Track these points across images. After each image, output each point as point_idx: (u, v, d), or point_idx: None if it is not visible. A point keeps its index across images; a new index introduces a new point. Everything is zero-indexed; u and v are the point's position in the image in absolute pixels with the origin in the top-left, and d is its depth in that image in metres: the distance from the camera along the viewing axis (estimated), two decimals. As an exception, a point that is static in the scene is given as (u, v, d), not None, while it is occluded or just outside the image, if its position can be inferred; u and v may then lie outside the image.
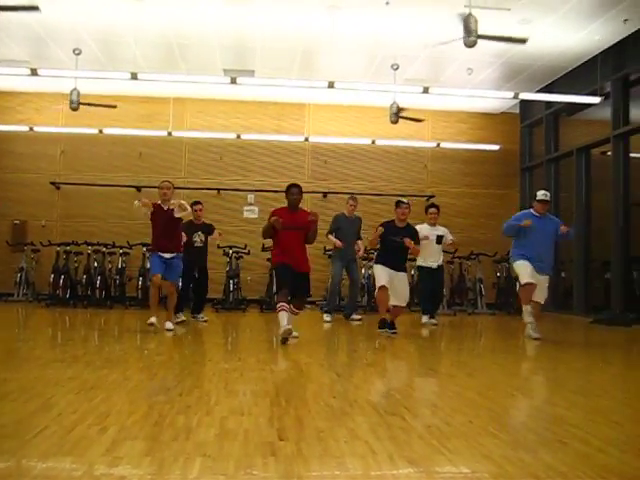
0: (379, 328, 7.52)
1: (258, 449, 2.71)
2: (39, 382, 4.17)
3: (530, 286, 7.23)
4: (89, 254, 11.67)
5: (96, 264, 11.59)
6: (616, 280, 10.28)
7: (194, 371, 4.99)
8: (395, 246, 7.43)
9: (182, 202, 7.58)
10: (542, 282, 7.32)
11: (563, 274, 12.48)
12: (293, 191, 6.84)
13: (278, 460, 2.57)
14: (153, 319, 7.36)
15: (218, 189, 12.84)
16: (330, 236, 9.52)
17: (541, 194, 7.49)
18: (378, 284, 7.50)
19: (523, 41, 8.27)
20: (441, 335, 8.44)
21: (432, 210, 9.27)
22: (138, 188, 12.61)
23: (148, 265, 11.66)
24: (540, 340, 7.07)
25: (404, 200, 7.74)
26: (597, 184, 11.41)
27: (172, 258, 7.56)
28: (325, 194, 13.28)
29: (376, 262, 7.75)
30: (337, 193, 13.19)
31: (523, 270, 7.31)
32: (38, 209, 12.86)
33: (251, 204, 12.95)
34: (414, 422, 3.28)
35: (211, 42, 10.12)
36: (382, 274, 7.47)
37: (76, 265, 11.73)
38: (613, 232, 10.36)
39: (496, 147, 13.60)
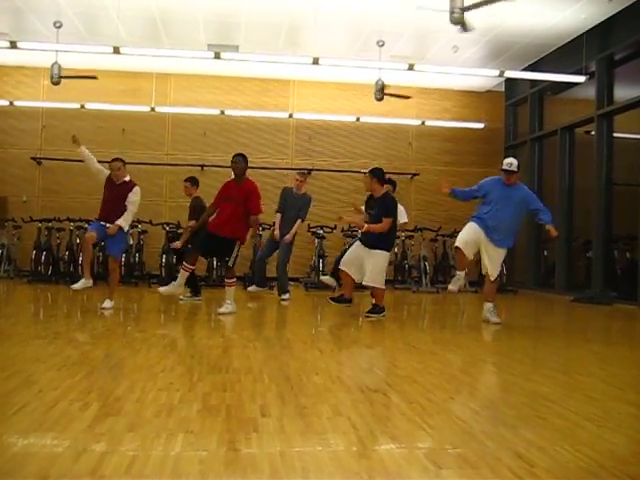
0: (335, 300, 7.25)
1: (241, 425, 2.73)
2: (20, 358, 4.15)
3: (459, 252, 6.86)
4: (71, 230, 11.56)
5: (78, 240, 11.48)
6: (598, 259, 10.38)
7: (176, 348, 4.99)
8: (370, 219, 7.08)
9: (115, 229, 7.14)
10: (495, 255, 6.80)
11: (545, 252, 12.60)
12: (236, 159, 7.17)
13: (260, 436, 2.58)
14: (79, 284, 7.16)
15: (202, 165, 12.74)
16: (277, 216, 9.06)
17: (506, 163, 6.84)
18: (341, 264, 7.22)
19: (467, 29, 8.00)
20: (424, 312, 8.50)
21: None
22: (121, 164, 12.47)
23: (131, 241, 11.64)
24: (500, 325, 6.75)
25: (363, 170, 7.31)
26: (580, 163, 11.46)
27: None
28: (310, 171, 13.23)
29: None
30: (322, 170, 13.16)
31: (463, 232, 6.88)
32: (19, 185, 12.69)
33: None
34: (396, 398, 3.31)
35: (195, 17, 9.97)
36: (348, 254, 7.17)
37: (58, 241, 11.63)
38: (595, 211, 10.43)
39: (481, 125, 13.60)
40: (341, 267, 7.18)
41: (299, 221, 9.08)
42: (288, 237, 8.95)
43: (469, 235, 6.82)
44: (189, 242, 8.21)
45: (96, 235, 7.12)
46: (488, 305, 6.94)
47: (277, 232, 8.94)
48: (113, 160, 7.42)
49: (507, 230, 6.80)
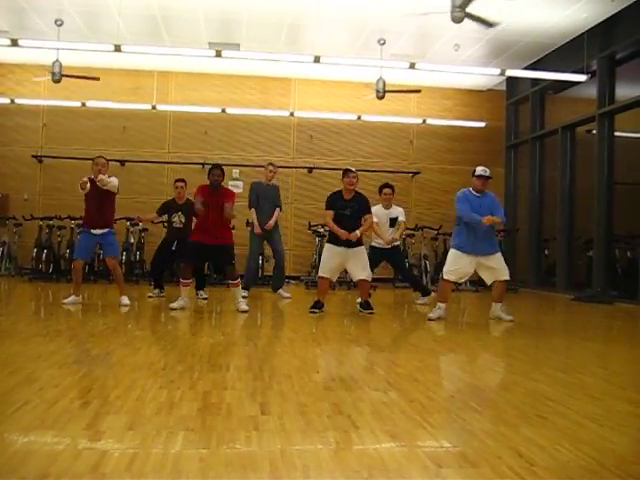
0: (311, 308, 7.29)
1: (241, 423, 2.73)
2: (21, 356, 4.15)
3: (448, 283, 7.00)
4: (72, 228, 11.54)
5: (79, 237, 11.47)
6: (599, 258, 10.37)
7: (177, 346, 4.99)
8: (344, 221, 7.14)
9: (103, 177, 7.29)
10: (495, 261, 6.83)
11: (546, 252, 12.59)
12: (214, 172, 7.26)
13: (261, 434, 2.58)
14: (70, 299, 7.41)
15: (203, 163, 12.74)
16: (253, 211, 8.96)
17: (480, 169, 6.95)
18: (320, 271, 7.41)
19: (492, 24, 8.19)
20: (422, 311, 8.49)
21: (386, 190, 8.70)
22: (122, 162, 12.49)
23: (132, 240, 11.65)
24: (513, 322, 6.85)
25: (352, 169, 7.38)
26: (581, 162, 11.45)
27: (104, 234, 7.46)
28: (310, 169, 13.24)
29: (328, 241, 7.47)
30: (322, 168, 13.16)
31: (451, 264, 6.92)
32: (20, 183, 12.70)
33: (236, 179, 12.87)
34: (396, 397, 3.31)
35: (196, 15, 9.97)
36: (328, 261, 7.27)
37: (59, 239, 11.63)
38: (596, 210, 10.43)
39: (482, 124, 13.59)
40: (324, 275, 7.31)
41: (278, 209, 9.16)
42: (270, 223, 8.97)
43: (457, 264, 6.85)
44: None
45: (85, 260, 7.89)
46: (498, 305, 7.02)
47: (258, 229, 8.86)
48: (98, 157, 7.65)
49: (489, 234, 6.87)
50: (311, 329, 6.31)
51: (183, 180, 9.05)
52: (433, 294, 8.77)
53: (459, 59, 11.44)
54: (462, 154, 13.57)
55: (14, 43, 9.48)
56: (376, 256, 8.60)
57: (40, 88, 12.61)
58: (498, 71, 10.92)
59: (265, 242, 9.32)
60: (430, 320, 6.84)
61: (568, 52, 10.93)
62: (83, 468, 2.15)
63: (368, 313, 7.23)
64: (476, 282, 11.93)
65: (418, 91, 11.61)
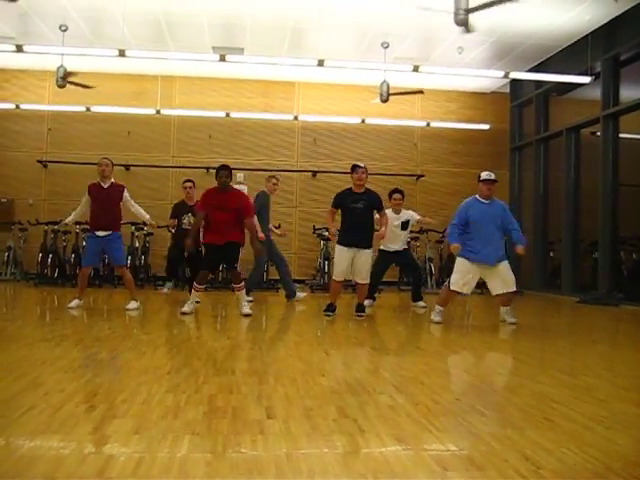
0: (324, 311, 7.32)
1: (246, 427, 2.73)
2: (26, 361, 4.16)
3: (452, 292, 6.92)
4: (77, 233, 11.58)
5: (84, 243, 11.50)
6: (604, 260, 10.34)
7: (182, 350, 4.99)
8: (357, 213, 7.11)
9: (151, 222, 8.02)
10: (501, 271, 6.70)
11: (552, 254, 12.57)
12: (222, 173, 7.16)
13: (266, 438, 2.58)
14: (74, 302, 7.47)
15: (207, 168, 12.74)
16: (255, 218, 8.63)
17: (485, 174, 6.85)
18: (334, 276, 7.43)
19: None
20: (429, 314, 8.48)
21: (396, 196, 8.61)
22: (127, 167, 12.52)
23: (137, 244, 11.67)
24: (515, 324, 6.84)
25: (360, 164, 7.38)
26: (586, 164, 11.43)
27: (108, 238, 7.43)
28: (315, 173, 13.25)
29: (338, 242, 7.31)
30: (327, 172, 13.16)
31: (458, 274, 6.80)
32: (25, 187, 12.74)
33: (241, 182, 12.86)
34: (402, 400, 3.30)
35: (200, 19, 9.99)
36: (340, 264, 7.23)
37: (64, 244, 11.66)
38: (601, 212, 10.40)
39: (486, 126, 13.58)
40: (338, 279, 7.34)
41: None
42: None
43: (464, 274, 6.78)
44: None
45: (93, 266, 8.15)
46: (505, 308, 6.98)
47: (261, 234, 8.58)
48: (102, 159, 7.73)
49: (498, 242, 6.79)
50: (316, 332, 6.30)
51: (191, 180, 9.12)
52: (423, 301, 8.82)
53: (463, 62, 11.42)
54: (466, 157, 13.56)
55: (19, 49, 9.51)
56: (386, 260, 8.62)
57: (45, 93, 12.66)
58: (502, 73, 10.91)
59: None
60: (438, 323, 6.82)
61: (572, 54, 10.91)
62: (89, 472, 2.15)
63: (357, 315, 7.25)
64: (481, 285, 11.95)
65: (421, 92, 11.58)
